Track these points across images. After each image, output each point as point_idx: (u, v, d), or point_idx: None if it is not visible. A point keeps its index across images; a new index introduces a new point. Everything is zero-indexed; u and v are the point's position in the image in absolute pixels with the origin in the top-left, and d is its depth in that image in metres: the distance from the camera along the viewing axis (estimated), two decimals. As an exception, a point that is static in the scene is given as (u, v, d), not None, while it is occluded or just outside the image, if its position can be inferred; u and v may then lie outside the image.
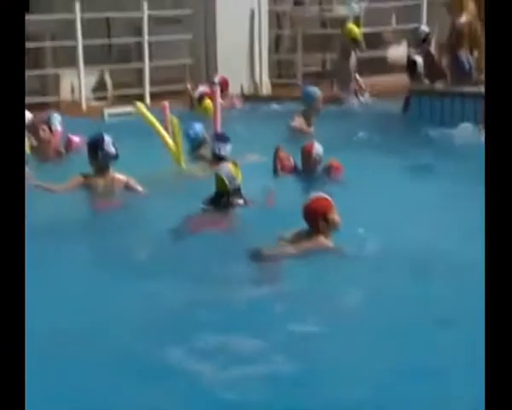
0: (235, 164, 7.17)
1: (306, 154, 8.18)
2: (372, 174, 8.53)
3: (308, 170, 8.22)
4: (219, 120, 9.39)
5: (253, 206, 7.26)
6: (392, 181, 8.39)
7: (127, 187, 8.02)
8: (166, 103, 9.05)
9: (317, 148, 8.20)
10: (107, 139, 7.89)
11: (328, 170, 8.20)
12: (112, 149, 7.88)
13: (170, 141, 8.67)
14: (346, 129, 10.56)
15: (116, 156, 7.93)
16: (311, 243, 6.33)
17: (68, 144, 9.18)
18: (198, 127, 9.11)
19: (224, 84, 11.43)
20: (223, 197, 7.06)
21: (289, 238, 6.44)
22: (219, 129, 9.30)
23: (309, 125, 10.24)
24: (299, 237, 6.42)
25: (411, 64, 11.53)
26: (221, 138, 8.62)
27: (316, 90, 10.52)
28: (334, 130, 10.29)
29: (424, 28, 11.99)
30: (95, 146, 7.90)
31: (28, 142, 8.73)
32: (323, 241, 6.34)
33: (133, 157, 8.98)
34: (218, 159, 8.37)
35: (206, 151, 8.82)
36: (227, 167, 7.09)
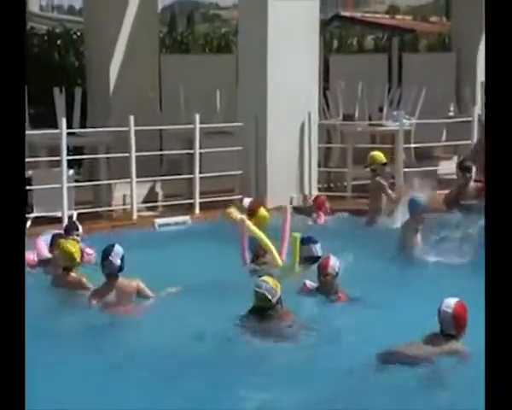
0: (271, 276, 7.26)
1: (322, 269, 8.06)
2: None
3: (324, 286, 8.08)
4: (287, 237, 9.50)
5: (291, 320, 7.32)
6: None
7: (138, 292, 8.24)
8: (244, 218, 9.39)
9: (333, 263, 8.07)
10: (117, 251, 8.06)
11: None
12: (117, 261, 8.05)
13: (276, 254, 8.87)
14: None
15: (120, 269, 8.10)
16: (449, 347, 6.44)
17: (81, 256, 9.10)
18: (256, 241, 9.34)
19: (321, 204, 11.74)
20: (266, 311, 7.10)
21: (422, 341, 6.51)
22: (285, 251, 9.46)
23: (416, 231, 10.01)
24: (431, 341, 6.49)
25: (464, 169, 11.62)
26: (313, 240, 9.02)
27: (422, 199, 10.21)
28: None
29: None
30: (103, 255, 8.12)
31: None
32: (461, 346, 6.48)
33: (184, 264, 9.35)
34: (315, 259, 8.78)
35: (265, 259, 9.21)
36: (267, 283, 7.08)
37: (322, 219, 11.78)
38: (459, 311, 6.46)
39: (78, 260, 8.62)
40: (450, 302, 6.49)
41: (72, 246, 8.63)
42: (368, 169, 12.12)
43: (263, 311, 7.10)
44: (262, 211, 9.93)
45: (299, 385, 6.33)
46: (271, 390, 6.19)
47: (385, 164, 12.12)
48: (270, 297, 7.01)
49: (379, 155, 12.10)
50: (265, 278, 7.18)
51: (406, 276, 9.42)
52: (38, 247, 9.34)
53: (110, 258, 8.04)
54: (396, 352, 6.45)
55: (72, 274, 8.56)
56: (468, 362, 6.42)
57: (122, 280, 8.17)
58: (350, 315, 7.90)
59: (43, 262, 9.24)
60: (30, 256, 9.09)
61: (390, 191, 11.90)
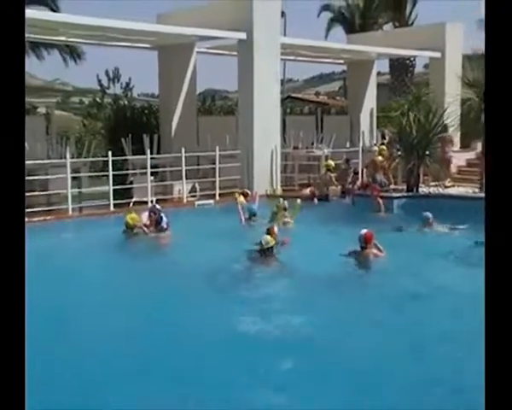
0: (271, 235, 6.77)
1: (271, 232, 7.15)
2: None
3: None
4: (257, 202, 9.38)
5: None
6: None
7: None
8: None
9: (276, 229, 7.23)
10: (164, 220, 7.83)
11: (281, 243, 7.34)
12: (164, 225, 7.80)
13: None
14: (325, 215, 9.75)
15: (166, 229, 7.82)
16: (372, 252, 6.53)
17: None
18: (255, 207, 9.19)
19: (313, 193, 11.15)
20: (263, 252, 6.68)
21: (351, 253, 6.52)
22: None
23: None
24: (357, 253, 6.53)
25: (354, 172, 11.97)
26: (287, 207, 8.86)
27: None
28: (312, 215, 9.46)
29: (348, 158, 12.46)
30: (157, 221, 7.90)
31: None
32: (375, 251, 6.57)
33: (213, 225, 8.93)
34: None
35: (257, 218, 8.91)
36: (266, 238, 6.69)
37: (316, 201, 11.15)
38: (368, 235, 6.59)
39: (136, 224, 7.99)
40: (364, 230, 6.64)
41: (132, 215, 8.09)
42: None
43: (264, 251, 6.68)
44: (241, 198, 9.68)
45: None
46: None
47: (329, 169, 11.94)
48: (265, 246, 6.65)
49: (330, 163, 12.06)
50: (267, 236, 6.76)
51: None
52: (142, 217, 8.47)
53: (161, 224, 7.83)
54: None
55: (133, 231, 8.03)
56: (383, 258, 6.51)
57: (168, 233, 7.90)
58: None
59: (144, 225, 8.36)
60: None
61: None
